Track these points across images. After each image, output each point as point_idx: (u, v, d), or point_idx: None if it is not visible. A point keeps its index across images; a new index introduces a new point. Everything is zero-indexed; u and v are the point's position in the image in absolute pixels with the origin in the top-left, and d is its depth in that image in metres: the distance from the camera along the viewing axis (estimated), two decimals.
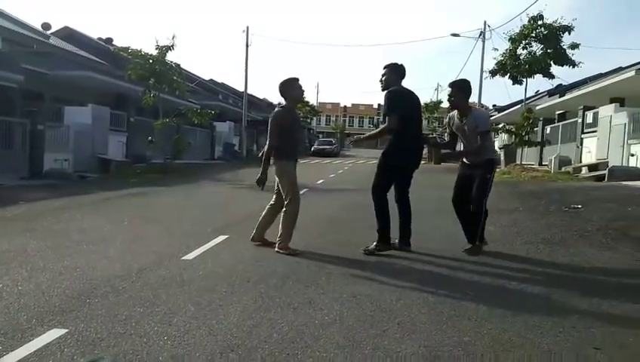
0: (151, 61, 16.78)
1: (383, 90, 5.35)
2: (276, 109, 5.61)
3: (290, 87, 5.48)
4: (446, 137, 5.89)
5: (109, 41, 31.85)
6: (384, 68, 5.38)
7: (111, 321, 3.22)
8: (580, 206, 8.47)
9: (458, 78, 5.89)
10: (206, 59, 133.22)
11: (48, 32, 25.64)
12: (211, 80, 49.06)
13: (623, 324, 3.25)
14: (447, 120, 5.65)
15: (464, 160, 5.38)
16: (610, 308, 3.61)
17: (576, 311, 3.48)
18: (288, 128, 5.44)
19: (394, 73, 5.31)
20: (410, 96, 5.34)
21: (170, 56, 17.52)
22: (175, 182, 14.53)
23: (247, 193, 12.15)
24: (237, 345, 2.87)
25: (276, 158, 5.36)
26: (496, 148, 26.79)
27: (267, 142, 5.40)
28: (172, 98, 20.78)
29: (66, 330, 3.06)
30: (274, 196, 5.58)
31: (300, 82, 5.54)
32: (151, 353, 2.76)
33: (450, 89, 5.34)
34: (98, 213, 8.32)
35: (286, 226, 5.29)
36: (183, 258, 4.99)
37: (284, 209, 5.33)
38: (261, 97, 69.12)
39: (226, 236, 6.13)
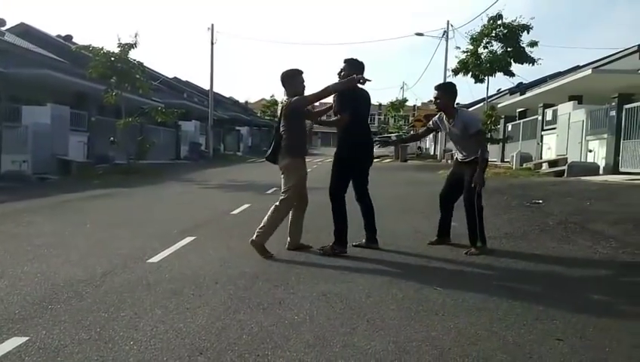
0: (113, 59, 16.37)
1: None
2: (290, 99, 5.11)
3: (293, 80, 5.18)
4: (419, 131, 6.03)
5: (69, 38, 30.89)
6: (344, 62, 5.33)
7: (74, 327, 3.13)
8: (540, 201, 8.72)
9: (444, 81, 6.03)
10: (170, 56, 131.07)
11: (3, 29, 24.67)
12: (175, 78, 48.22)
13: (584, 315, 3.36)
14: (435, 119, 5.66)
15: (457, 157, 5.46)
16: (571, 299, 3.73)
17: (540, 303, 3.58)
18: (299, 120, 5.18)
19: (352, 68, 5.24)
20: (362, 94, 5.32)
21: (133, 54, 17.15)
22: (139, 183, 14.23)
23: (214, 193, 12.06)
24: (206, 348, 2.83)
25: (286, 154, 5.07)
26: None
27: (286, 136, 5.07)
28: (135, 97, 20.33)
29: (27, 338, 2.96)
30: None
31: (303, 76, 5.21)
32: (117, 359, 2.69)
33: (436, 92, 5.34)
34: (59, 216, 8.08)
35: (271, 223, 5.05)
36: (148, 261, 4.89)
37: (276, 203, 5.08)
38: (227, 95, 68.34)
39: (193, 237, 6.04)
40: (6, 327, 3.15)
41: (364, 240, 5.39)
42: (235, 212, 8.27)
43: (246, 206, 8.97)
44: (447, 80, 27.81)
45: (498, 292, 3.86)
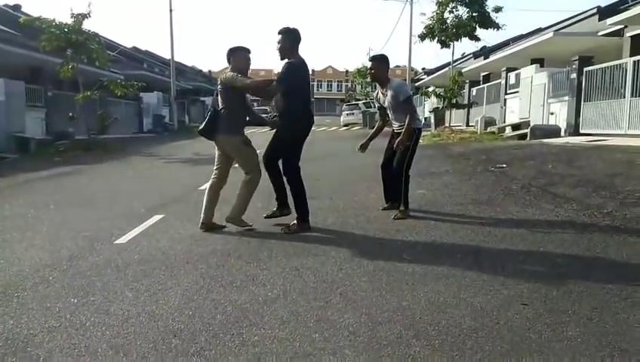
0: (66, 30, 15.62)
1: (281, 59, 5.04)
2: (225, 74, 5.10)
3: (237, 56, 5.07)
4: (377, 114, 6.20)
5: (17, 7, 29.18)
6: (278, 33, 5.01)
7: (43, 315, 3.08)
8: (504, 165, 8.93)
9: (377, 54, 6.11)
10: (128, 26, 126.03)
11: None
12: (134, 47, 46.55)
13: (547, 279, 3.50)
14: (374, 95, 6.01)
15: (393, 128, 5.71)
16: (535, 264, 3.88)
17: (505, 270, 3.70)
18: (239, 96, 5.09)
19: (288, 39, 4.98)
20: (305, 69, 5.14)
21: (89, 25, 16.42)
22: (101, 159, 13.87)
23: (180, 168, 11.87)
24: (179, 329, 2.83)
25: (230, 130, 5.02)
26: (427, 111, 27.54)
27: (222, 105, 5.05)
28: (93, 69, 19.56)
29: None
30: (215, 172, 5.23)
31: (249, 55, 5.16)
32: (89, 346, 2.67)
33: (370, 63, 5.78)
34: (20, 197, 7.83)
35: (244, 197, 5.09)
36: (116, 242, 4.82)
37: (247, 178, 5.07)
38: (189, 65, 66.57)
39: (161, 216, 5.96)
40: None
41: (276, 208, 5.38)
42: (203, 187, 8.10)
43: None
44: (413, 46, 27.78)
45: (465, 260, 3.97)
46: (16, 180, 10.01)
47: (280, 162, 5.21)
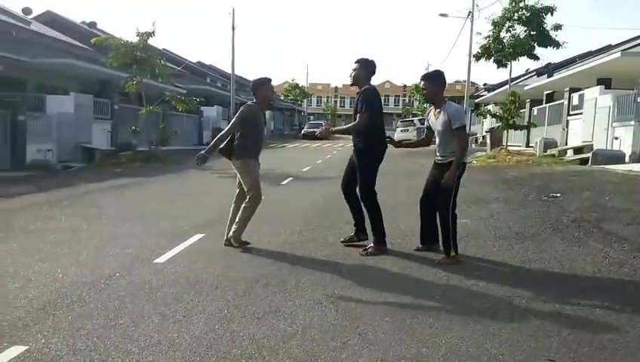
0: (132, 47, 16.55)
1: (352, 85, 5.42)
2: (247, 103, 5.68)
3: (261, 87, 5.61)
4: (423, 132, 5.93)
5: (93, 24, 31.31)
6: (355, 62, 5.37)
7: (72, 336, 3.22)
8: (558, 194, 8.53)
9: (432, 70, 5.84)
10: (195, 41, 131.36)
11: (29, 17, 25.15)
12: (199, 62, 48.51)
13: (581, 332, 3.28)
14: (426, 114, 5.53)
15: (436, 158, 5.15)
16: (571, 313, 3.64)
17: (538, 316, 3.52)
18: (254, 125, 5.51)
19: (364, 69, 5.31)
20: (379, 95, 5.45)
21: (154, 42, 17.31)
22: (160, 171, 14.47)
23: (230, 183, 11.92)
24: (195, 361, 2.88)
25: (239, 155, 5.45)
26: (484, 130, 26.74)
27: (225, 130, 5.54)
28: (157, 83, 20.56)
29: (26, 347, 3.06)
30: (237, 192, 5.64)
31: (271, 84, 5.78)
32: None
33: (422, 82, 5.23)
34: (77, 209, 8.27)
35: (244, 219, 5.43)
36: (155, 261, 4.99)
37: (245, 203, 5.44)
38: (250, 79, 68.27)
39: (203, 234, 6.13)
40: (9, 334, 3.26)
41: (353, 233, 5.58)
42: None
43: None
44: (471, 64, 27.21)
45: (497, 303, 3.80)
46: (76, 191, 10.62)
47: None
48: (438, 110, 5.03)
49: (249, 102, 5.69)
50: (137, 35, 16.77)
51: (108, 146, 19.67)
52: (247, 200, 5.44)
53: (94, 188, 10.91)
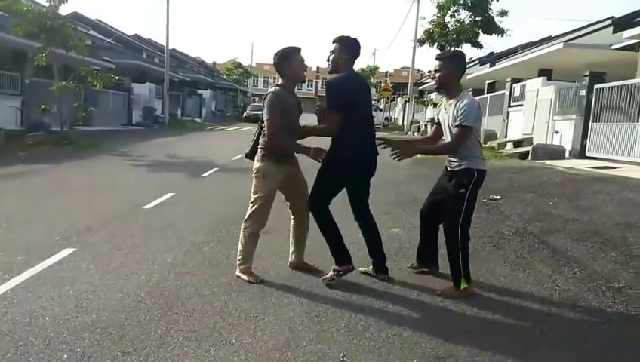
0: (40, 14, 14.60)
1: (330, 72, 4.10)
2: (271, 89, 4.09)
3: (289, 60, 4.03)
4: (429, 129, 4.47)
5: None
6: (333, 42, 4.07)
7: None
8: (498, 197, 7.84)
9: (452, 50, 4.60)
10: (134, 14, 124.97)
11: None
12: (136, 35, 45.65)
13: None
14: (438, 106, 4.39)
15: (447, 165, 4.08)
16: None
17: None
18: (286, 117, 4.01)
19: (346, 51, 4.03)
20: (357, 83, 4.15)
21: (88, 12, 15.43)
22: (68, 156, 12.83)
23: (141, 174, 10.66)
24: None
25: (259, 155, 4.10)
26: (426, 120, 26.27)
27: (266, 135, 4.03)
28: (76, 56, 18.52)
29: None
30: (288, 205, 4.40)
31: (302, 55, 4.08)
32: None
33: (438, 62, 3.94)
34: None
35: (246, 246, 4.18)
36: None
37: (243, 224, 4.18)
38: (194, 55, 65.57)
39: (73, 249, 4.89)
40: None
41: (371, 268, 4.31)
42: (149, 206, 7.07)
43: (168, 196, 7.80)
44: (416, 50, 26.60)
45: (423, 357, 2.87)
46: None
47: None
48: (450, 101, 3.94)
49: (272, 88, 4.09)
50: (47, 1, 14.80)
51: (17, 126, 17.60)
52: (246, 218, 4.17)
53: None
